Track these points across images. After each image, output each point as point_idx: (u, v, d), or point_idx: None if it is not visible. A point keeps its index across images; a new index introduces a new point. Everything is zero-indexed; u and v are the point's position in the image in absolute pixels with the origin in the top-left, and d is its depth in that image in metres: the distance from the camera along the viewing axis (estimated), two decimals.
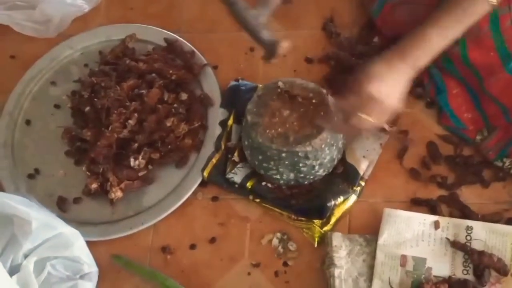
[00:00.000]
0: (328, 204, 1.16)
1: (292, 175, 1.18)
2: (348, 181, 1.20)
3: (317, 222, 1.17)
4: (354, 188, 1.20)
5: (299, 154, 1.14)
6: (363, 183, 1.21)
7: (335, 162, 1.20)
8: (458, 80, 1.23)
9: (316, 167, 1.17)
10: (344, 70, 1.30)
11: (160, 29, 1.45)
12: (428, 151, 1.24)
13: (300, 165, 1.16)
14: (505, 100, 1.16)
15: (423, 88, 1.28)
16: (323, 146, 1.14)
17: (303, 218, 1.19)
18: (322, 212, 1.17)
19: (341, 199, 1.18)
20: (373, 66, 1.04)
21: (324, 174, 1.20)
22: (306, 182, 1.20)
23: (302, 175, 1.18)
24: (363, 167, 1.21)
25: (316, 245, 1.17)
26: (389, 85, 1.03)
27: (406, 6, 1.22)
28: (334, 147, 1.17)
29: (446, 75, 1.24)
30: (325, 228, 1.17)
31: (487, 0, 1.01)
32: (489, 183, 1.19)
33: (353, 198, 1.20)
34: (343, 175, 1.21)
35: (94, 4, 1.52)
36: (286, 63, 1.37)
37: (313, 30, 1.41)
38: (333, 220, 1.18)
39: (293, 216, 1.19)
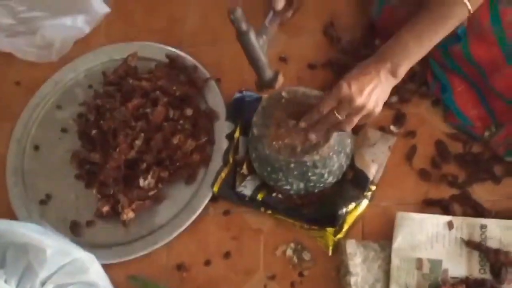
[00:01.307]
0: (340, 212, 1.16)
1: (302, 185, 1.18)
2: (359, 187, 1.19)
3: (330, 230, 1.17)
4: (365, 193, 1.19)
5: (308, 163, 1.13)
6: (373, 188, 1.21)
7: (344, 169, 1.20)
8: (463, 78, 1.22)
9: (326, 175, 1.17)
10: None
11: (162, 46, 1.45)
12: (437, 151, 1.23)
13: (309, 174, 1.15)
14: (511, 95, 1.14)
15: (428, 87, 1.27)
16: (331, 154, 1.14)
17: (315, 227, 1.18)
18: (334, 220, 1.16)
19: (352, 205, 1.18)
20: (352, 70, 1.06)
21: (334, 181, 1.19)
22: (316, 191, 1.20)
23: (312, 184, 1.18)
24: (373, 171, 1.21)
25: (330, 253, 1.17)
26: (364, 88, 1.04)
27: (406, 8, 1.20)
28: (342, 154, 1.17)
29: (450, 73, 1.23)
30: (338, 236, 1.16)
31: (466, 5, 1.01)
32: (501, 179, 1.18)
33: (364, 203, 1.20)
34: (353, 181, 1.20)
35: (94, 25, 1.53)
36: (289, 70, 1.36)
37: (314, 35, 1.40)
38: (346, 227, 1.17)
39: (305, 226, 1.19)
